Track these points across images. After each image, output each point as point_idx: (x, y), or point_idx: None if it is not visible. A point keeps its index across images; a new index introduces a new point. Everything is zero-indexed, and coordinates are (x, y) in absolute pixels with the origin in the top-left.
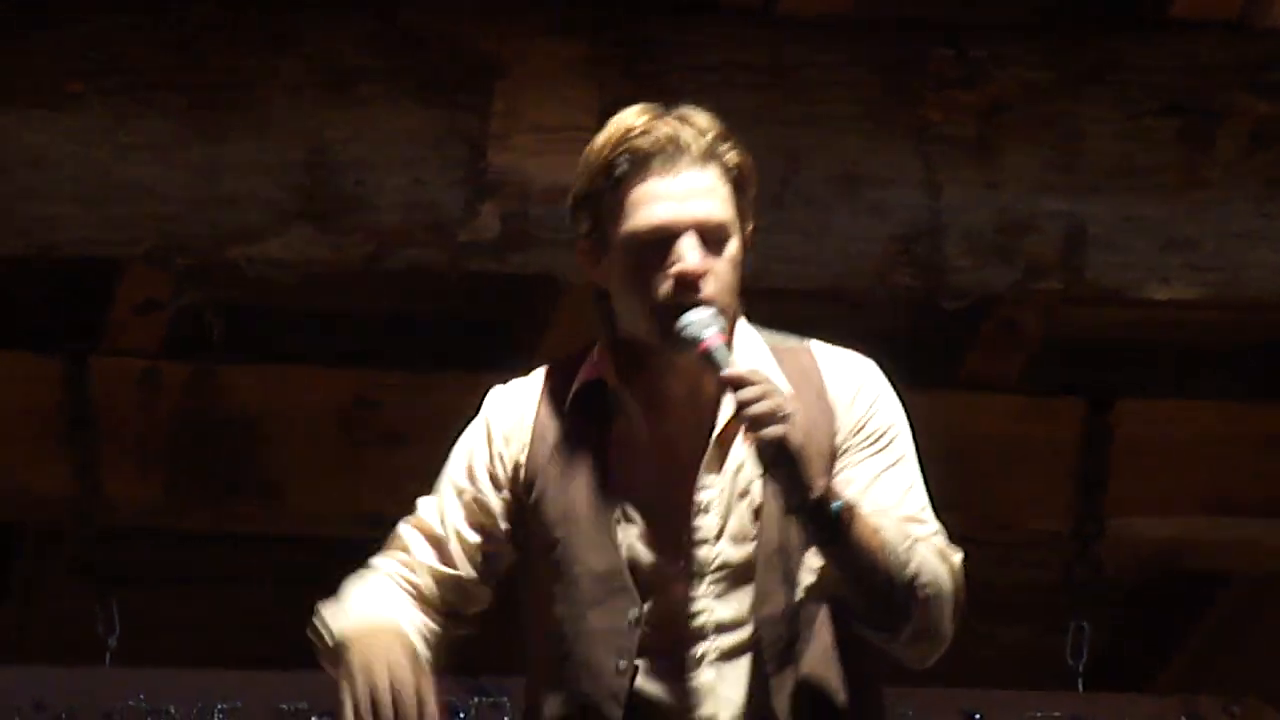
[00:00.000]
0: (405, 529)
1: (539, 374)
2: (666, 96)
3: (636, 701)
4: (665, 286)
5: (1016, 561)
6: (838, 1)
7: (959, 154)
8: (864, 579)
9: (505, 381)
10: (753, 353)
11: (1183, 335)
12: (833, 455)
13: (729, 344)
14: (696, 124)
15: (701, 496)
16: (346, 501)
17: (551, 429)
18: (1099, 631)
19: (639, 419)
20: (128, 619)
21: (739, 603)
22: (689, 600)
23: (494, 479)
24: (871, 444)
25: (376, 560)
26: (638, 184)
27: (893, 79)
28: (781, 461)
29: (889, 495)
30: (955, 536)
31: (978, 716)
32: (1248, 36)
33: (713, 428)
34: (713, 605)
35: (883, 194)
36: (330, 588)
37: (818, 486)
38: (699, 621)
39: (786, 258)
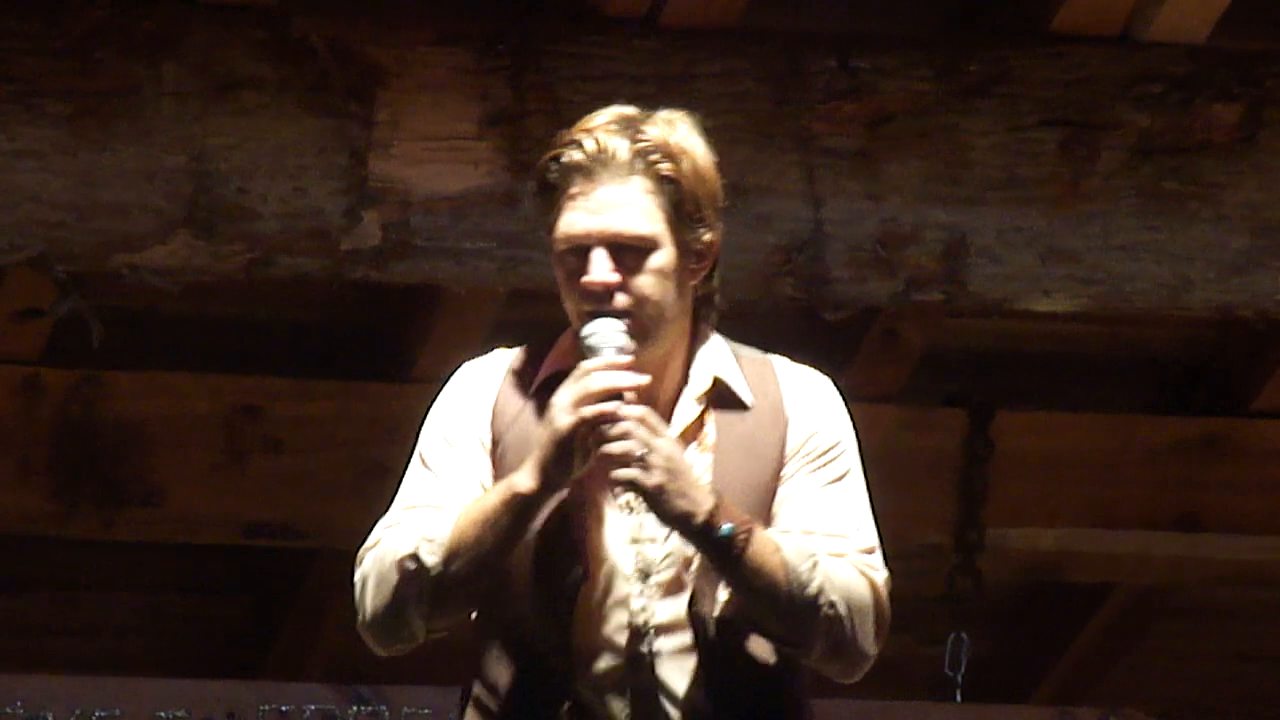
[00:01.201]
0: (417, 500)
1: (508, 355)
2: (550, 107)
3: (579, 658)
4: (578, 296)
5: (897, 572)
6: (724, 13)
7: (842, 165)
8: (764, 599)
9: (384, 388)
10: (718, 361)
11: (1064, 347)
12: (781, 464)
13: (634, 352)
14: (632, 135)
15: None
16: (228, 508)
17: (514, 404)
18: (979, 643)
19: None
20: (7, 625)
21: (682, 603)
22: (632, 597)
23: (475, 425)
24: (815, 459)
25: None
26: (562, 194)
27: (777, 90)
28: (642, 498)
29: (824, 511)
30: None
31: None
32: (1130, 50)
33: (681, 421)
34: (655, 605)
35: (766, 205)
36: (212, 594)
37: (701, 512)
38: (641, 619)
39: None
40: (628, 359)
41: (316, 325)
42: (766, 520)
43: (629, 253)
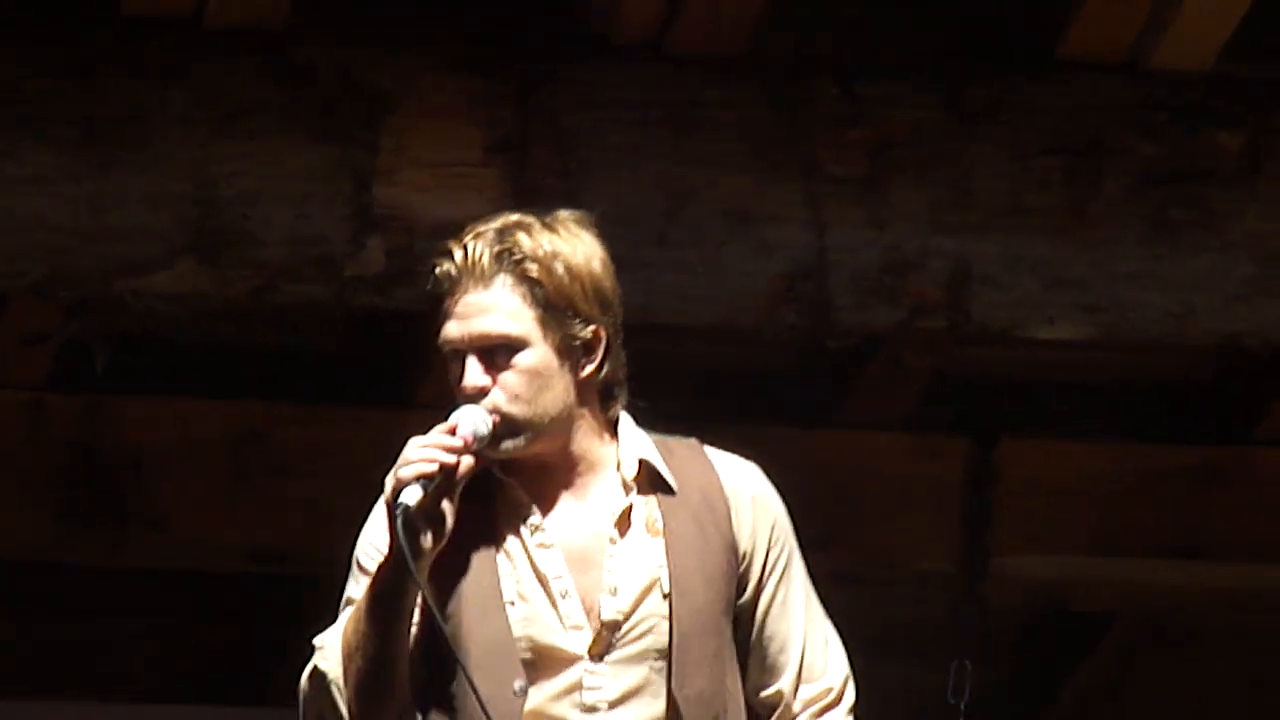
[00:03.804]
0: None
1: None
2: (555, 134)
3: None
4: (459, 397)
5: (901, 599)
6: (729, 39)
7: (846, 192)
8: None
9: (388, 414)
10: (640, 445)
11: (1069, 375)
12: (734, 551)
13: (514, 448)
14: (497, 240)
15: (606, 580)
16: (234, 534)
17: None
18: (982, 670)
19: (527, 505)
20: (10, 650)
21: (646, 684)
22: (586, 678)
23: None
24: (775, 567)
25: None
26: (442, 302)
27: (782, 117)
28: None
29: (792, 621)
30: (839, 574)
31: None
32: (1135, 77)
33: (613, 507)
34: (611, 685)
35: (770, 232)
36: (216, 621)
37: None
38: (593, 700)
39: (673, 294)
40: (470, 440)
41: (321, 351)
42: (730, 609)
43: (499, 353)
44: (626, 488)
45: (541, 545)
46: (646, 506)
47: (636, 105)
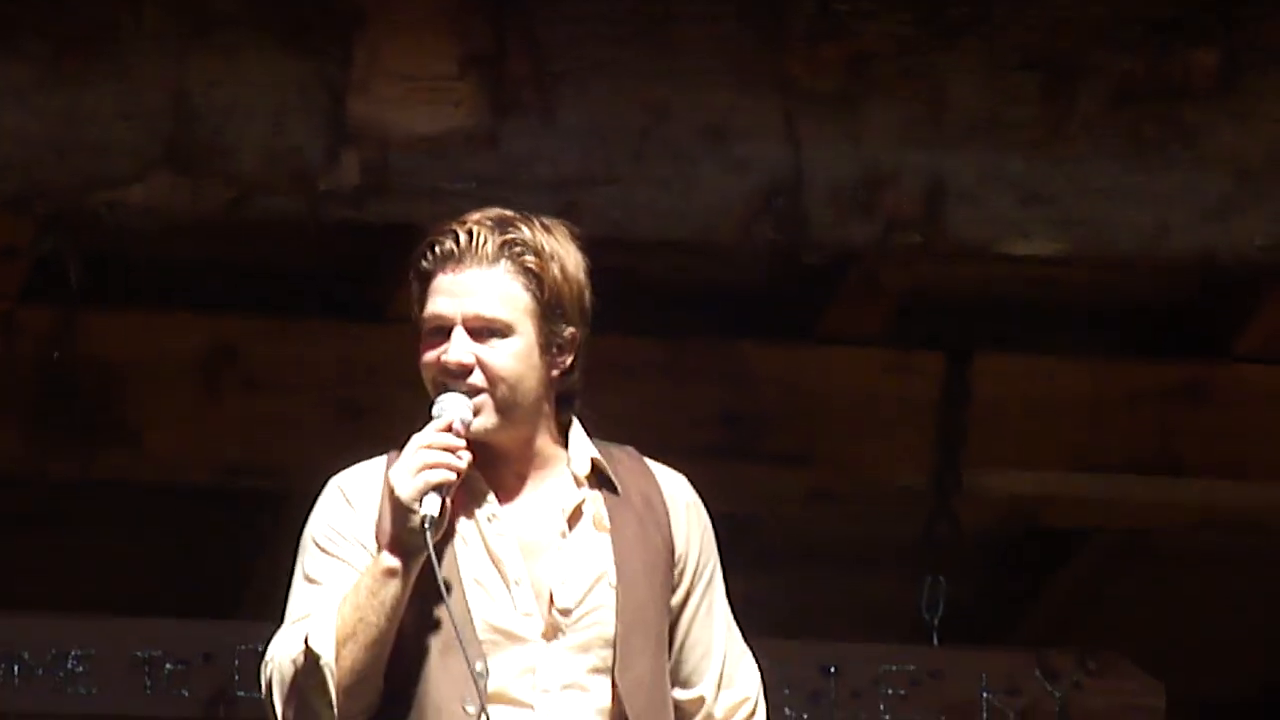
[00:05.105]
0: (306, 611)
1: (378, 463)
2: (531, 47)
3: None
4: (436, 371)
5: (874, 516)
6: None
7: (822, 108)
8: None
9: (361, 329)
10: (587, 446)
11: (1045, 292)
12: (670, 554)
13: (488, 430)
14: (502, 230)
15: (557, 570)
16: (206, 448)
17: None
18: (957, 586)
19: (485, 494)
20: None
21: (593, 670)
22: (539, 662)
23: (357, 530)
24: (703, 575)
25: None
26: (433, 277)
27: (758, 32)
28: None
29: (714, 628)
30: (815, 491)
31: (833, 669)
32: None
33: (565, 503)
34: (561, 669)
35: (746, 147)
36: (189, 536)
37: None
38: (545, 683)
39: (650, 210)
40: (461, 429)
41: (294, 266)
42: (666, 607)
43: (486, 335)
44: (579, 484)
45: (498, 534)
46: (595, 504)
47: (612, 20)
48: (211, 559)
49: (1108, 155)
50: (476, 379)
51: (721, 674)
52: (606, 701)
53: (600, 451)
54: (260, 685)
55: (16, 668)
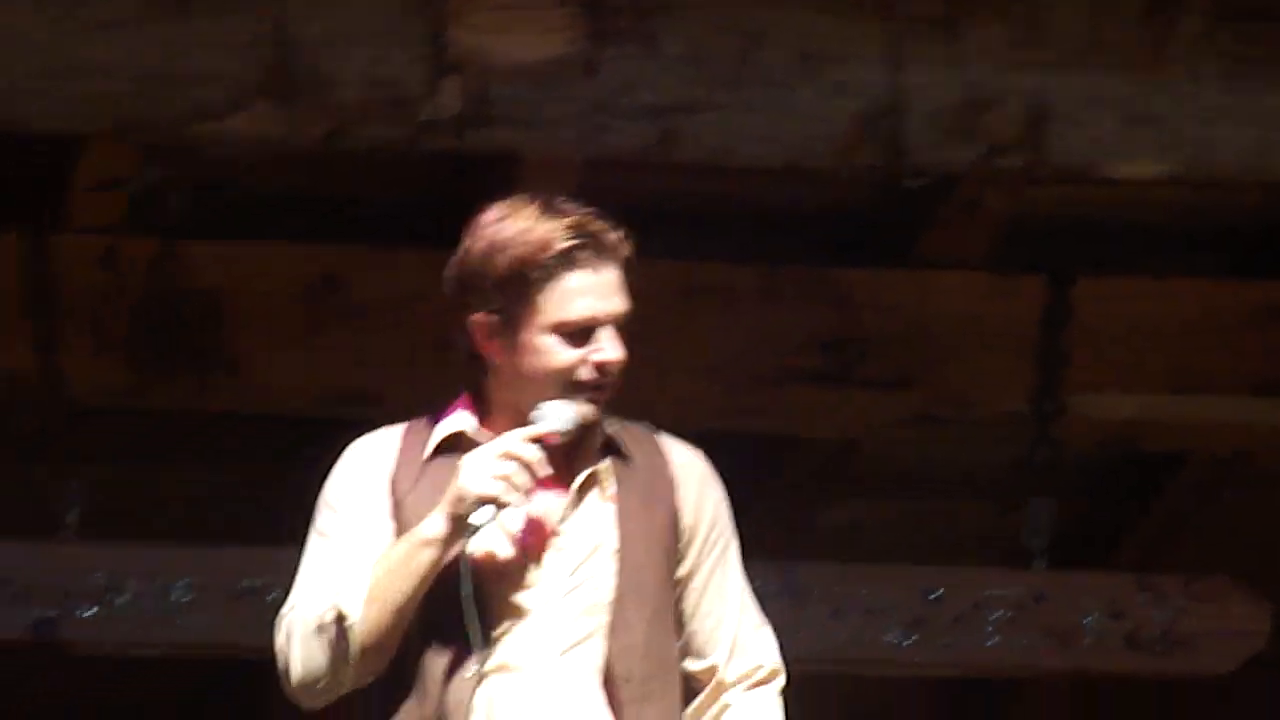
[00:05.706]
0: (323, 568)
1: (397, 429)
2: None
3: (488, 710)
4: (584, 371)
5: (976, 440)
6: None
7: (922, 31)
8: None
9: None
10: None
11: (1146, 214)
12: (676, 524)
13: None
14: (607, 226)
15: (560, 538)
16: (309, 378)
17: (413, 469)
18: (1059, 510)
19: None
20: (88, 496)
21: (590, 634)
22: (541, 626)
23: (373, 493)
24: (714, 546)
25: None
26: (566, 276)
27: None
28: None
29: (726, 599)
30: (915, 416)
31: (936, 594)
32: None
33: (573, 478)
34: (562, 634)
35: (844, 72)
36: (291, 465)
37: None
38: (547, 647)
39: (747, 136)
40: (555, 439)
41: (396, 195)
42: (669, 582)
43: (619, 331)
44: (590, 455)
45: None
46: (604, 474)
47: None
48: (311, 488)
49: (1211, 75)
50: (614, 374)
51: (734, 643)
52: (602, 665)
53: (615, 426)
54: (278, 632)
55: (121, 598)
